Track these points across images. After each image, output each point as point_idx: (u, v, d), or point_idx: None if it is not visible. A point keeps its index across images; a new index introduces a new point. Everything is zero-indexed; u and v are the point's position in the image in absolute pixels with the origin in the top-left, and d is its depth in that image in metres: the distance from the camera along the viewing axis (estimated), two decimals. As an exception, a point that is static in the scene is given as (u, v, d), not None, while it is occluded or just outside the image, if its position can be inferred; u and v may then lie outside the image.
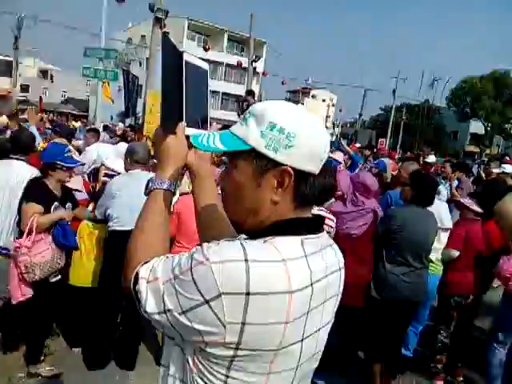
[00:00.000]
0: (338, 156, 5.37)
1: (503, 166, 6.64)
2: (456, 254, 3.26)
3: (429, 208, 3.05)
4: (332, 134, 32.79)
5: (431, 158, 8.40)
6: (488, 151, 38.66)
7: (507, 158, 10.10)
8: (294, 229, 0.86)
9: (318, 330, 0.90)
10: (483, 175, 7.15)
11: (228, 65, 36.61)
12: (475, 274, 3.27)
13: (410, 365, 3.57)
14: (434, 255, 3.45)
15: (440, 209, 3.61)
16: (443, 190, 5.49)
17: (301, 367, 0.88)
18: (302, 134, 0.82)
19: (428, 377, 3.46)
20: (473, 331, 3.76)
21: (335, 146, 7.44)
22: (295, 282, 0.79)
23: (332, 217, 3.05)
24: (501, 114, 34.30)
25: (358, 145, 12.70)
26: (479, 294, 3.44)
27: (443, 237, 3.43)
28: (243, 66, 20.05)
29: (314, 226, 0.91)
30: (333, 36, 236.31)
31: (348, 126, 47.16)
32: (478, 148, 38.10)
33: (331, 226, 3.00)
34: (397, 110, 34.27)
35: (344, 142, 7.41)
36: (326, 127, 33.30)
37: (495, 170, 6.57)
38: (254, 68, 18.16)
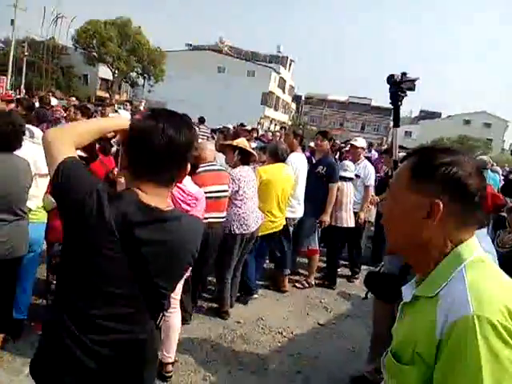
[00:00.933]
0: None
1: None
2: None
3: (20, 153, 2.60)
4: None
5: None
6: (118, 97, 40.85)
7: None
8: None
9: None
10: None
11: None
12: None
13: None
14: (34, 203, 3.09)
15: (36, 153, 3.18)
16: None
17: None
18: None
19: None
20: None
21: None
22: None
23: None
24: (125, 61, 36.38)
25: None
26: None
27: (40, 182, 3.07)
28: None
29: None
30: None
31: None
32: (107, 93, 39.53)
33: None
34: (18, 44, 30.40)
35: None
36: None
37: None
38: None
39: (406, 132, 54.83)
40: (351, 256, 5.96)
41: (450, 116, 56.47)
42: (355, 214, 5.53)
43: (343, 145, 9.39)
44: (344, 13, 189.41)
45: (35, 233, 3.16)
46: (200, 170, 3.62)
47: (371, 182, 5.71)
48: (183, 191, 3.00)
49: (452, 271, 0.99)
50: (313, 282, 5.38)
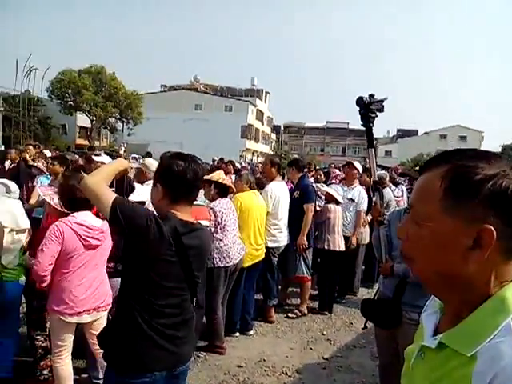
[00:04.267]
0: None
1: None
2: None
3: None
4: None
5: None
6: (98, 143, 40.79)
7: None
8: None
9: None
10: None
11: None
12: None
13: None
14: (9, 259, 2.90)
15: (15, 208, 3.03)
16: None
17: None
18: None
19: None
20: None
21: None
22: None
23: None
24: (102, 108, 36.55)
25: None
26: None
27: (18, 237, 2.91)
28: None
29: None
30: None
31: None
32: (87, 141, 39.49)
33: None
34: (-7, 100, 30.38)
35: None
36: None
37: None
38: None
39: (386, 152, 55.85)
40: (343, 281, 5.79)
41: (426, 132, 57.71)
42: (345, 237, 5.43)
43: (325, 170, 9.46)
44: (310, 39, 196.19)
45: (11, 292, 2.99)
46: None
47: (364, 206, 5.63)
48: (86, 227, 2.77)
49: (498, 324, 0.74)
50: (305, 311, 5.21)
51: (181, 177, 1.85)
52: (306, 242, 4.99)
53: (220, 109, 47.94)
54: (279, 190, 4.91)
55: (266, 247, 4.76)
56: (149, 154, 11.06)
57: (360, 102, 2.81)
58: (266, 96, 57.61)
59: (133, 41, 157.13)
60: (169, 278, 1.82)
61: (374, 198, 2.90)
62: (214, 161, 17.69)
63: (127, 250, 1.87)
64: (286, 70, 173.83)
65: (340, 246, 5.26)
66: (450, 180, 0.78)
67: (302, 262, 5.10)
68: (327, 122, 64.64)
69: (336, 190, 5.47)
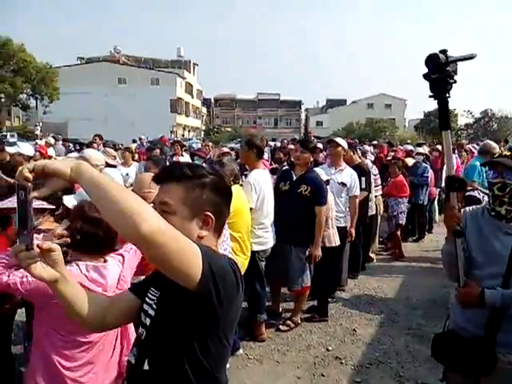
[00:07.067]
0: None
1: None
2: None
3: None
4: None
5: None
6: (8, 123, 36.51)
7: None
8: None
9: None
10: None
11: None
12: None
13: None
14: None
15: None
16: None
17: None
18: None
19: None
20: None
21: None
22: None
23: None
24: (12, 84, 32.44)
25: None
26: None
27: None
28: None
29: None
30: None
31: None
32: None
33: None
34: None
35: None
36: None
37: None
38: None
39: (317, 122, 56.42)
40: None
41: (354, 101, 58.98)
42: (337, 228, 4.60)
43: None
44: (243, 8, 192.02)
45: None
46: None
47: (357, 191, 4.82)
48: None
49: None
50: (299, 321, 4.38)
51: (230, 201, 1.36)
52: (320, 253, 4.09)
53: (146, 82, 45.06)
54: (263, 181, 3.91)
55: (252, 252, 3.79)
56: (90, 145, 9.17)
57: (433, 61, 1.84)
58: (194, 68, 55.16)
59: (42, 10, 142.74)
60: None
61: (452, 199, 2.01)
62: (141, 139, 16.06)
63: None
64: (212, 40, 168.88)
65: (336, 240, 4.44)
66: None
67: (307, 271, 4.20)
68: (258, 93, 63.62)
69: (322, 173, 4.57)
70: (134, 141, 15.40)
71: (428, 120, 45.74)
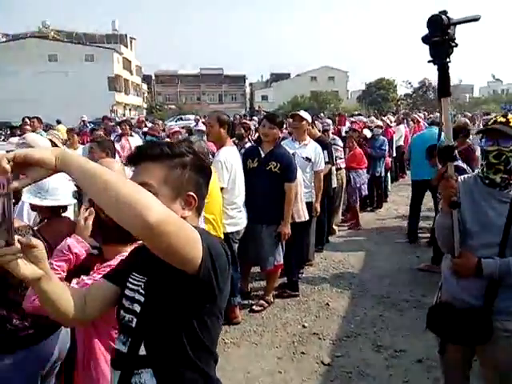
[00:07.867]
0: None
1: None
2: None
3: None
4: None
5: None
6: None
7: None
8: None
9: None
10: None
11: None
12: None
13: None
14: None
15: None
16: None
17: None
18: None
19: None
20: None
21: None
22: None
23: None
24: None
25: None
26: None
27: None
28: None
29: None
30: None
31: None
32: None
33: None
34: None
35: None
36: None
37: None
38: None
39: (262, 96, 56.12)
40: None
41: (298, 75, 59.10)
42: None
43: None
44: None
45: None
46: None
47: (322, 165, 4.73)
48: None
49: None
50: (272, 299, 4.31)
51: (209, 178, 1.33)
52: (289, 231, 3.96)
53: (80, 59, 42.25)
54: (234, 159, 3.71)
55: (225, 233, 3.62)
56: (22, 128, 8.21)
57: (436, 22, 1.71)
58: (131, 42, 52.45)
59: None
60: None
61: (449, 169, 1.92)
62: (83, 120, 15.08)
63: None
64: (149, 12, 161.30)
65: (305, 215, 4.36)
66: None
67: (280, 248, 4.07)
68: (201, 68, 61.94)
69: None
70: (59, 121, 13.62)
71: (370, 91, 47.02)
